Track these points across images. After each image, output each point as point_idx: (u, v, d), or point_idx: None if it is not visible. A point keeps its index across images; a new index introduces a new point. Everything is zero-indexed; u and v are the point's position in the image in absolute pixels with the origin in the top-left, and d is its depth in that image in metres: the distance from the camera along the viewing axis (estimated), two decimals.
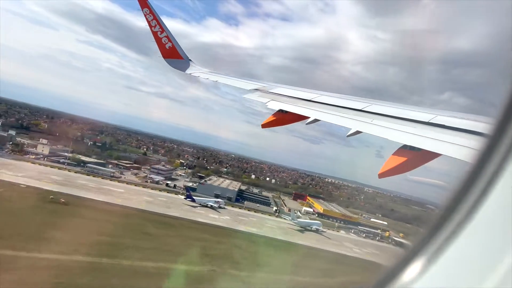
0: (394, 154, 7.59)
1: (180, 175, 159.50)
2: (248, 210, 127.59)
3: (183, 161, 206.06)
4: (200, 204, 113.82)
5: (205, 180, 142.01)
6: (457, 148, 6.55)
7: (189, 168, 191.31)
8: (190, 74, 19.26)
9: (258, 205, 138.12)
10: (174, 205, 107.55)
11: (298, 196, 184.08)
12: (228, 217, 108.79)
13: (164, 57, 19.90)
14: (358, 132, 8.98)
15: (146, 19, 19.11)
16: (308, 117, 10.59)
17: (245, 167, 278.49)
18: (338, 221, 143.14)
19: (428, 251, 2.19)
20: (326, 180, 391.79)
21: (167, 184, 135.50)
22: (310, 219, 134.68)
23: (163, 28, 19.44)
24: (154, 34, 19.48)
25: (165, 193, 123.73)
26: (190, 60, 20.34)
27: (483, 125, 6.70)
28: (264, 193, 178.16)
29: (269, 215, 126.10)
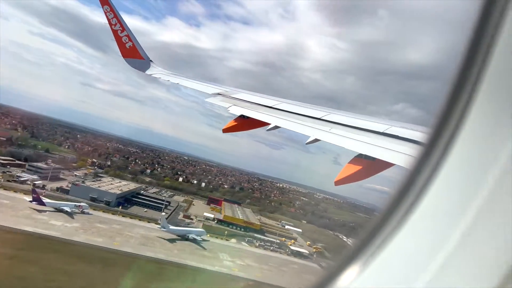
0: (350, 162, 7.91)
1: (76, 175, 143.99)
2: (129, 217, 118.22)
3: (96, 161, 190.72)
4: (55, 209, 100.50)
5: (83, 181, 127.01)
6: (409, 158, 6.40)
7: (100, 168, 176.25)
8: (150, 75, 18.56)
9: (145, 210, 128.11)
10: (12, 209, 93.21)
11: (213, 201, 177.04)
12: (77, 225, 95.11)
13: (123, 56, 19.12)
14: (316, 140, 9.22)
15: (107, 17, 18.28)
16: (269, 124, 10.71)
17: (180, 169, 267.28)
18: (239, 228, 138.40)
19: (365, 253, 2.25)
20: (277, 184, 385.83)
21: (34, 184, 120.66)
22: (205, 226, 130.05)
23: (123, 26, 18.63)
24: (114, 32, 18.73)
25: (14, 194, 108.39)
26: (151, 60, 19.62)
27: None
28: (176, 197, 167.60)
29: (156, 223, 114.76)
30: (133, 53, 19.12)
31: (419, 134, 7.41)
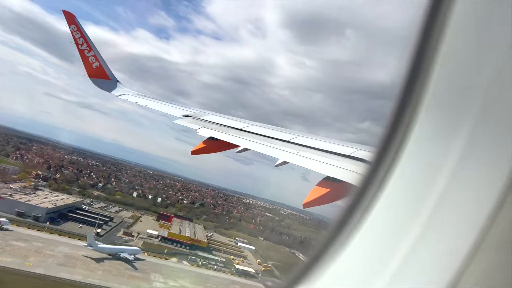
0: (318, 185, 7.92)
1: (11, 187, 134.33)
2: (58, 234, 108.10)
3: (41, 173, 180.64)
4: None
5: (11, 194, 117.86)
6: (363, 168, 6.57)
7: (44, 181, 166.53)
8: (117, 96, 18.32)
9: (80, 226, 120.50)
10: None
11: (162, 217, 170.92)
12: None
13: (90, 76, 18.70)
14: (285, 163, 9.38)
15: (73, 36, 18.06)
16: (238, 146, 10.85)
17: (139, 183, 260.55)
18: (184, 246, 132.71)
19: (324, 257, 2.30)
20: (244, 200, 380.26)
21: None
22: (146, 244, 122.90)
23: (90, 46, 18.40)
24: (81, 52, 18.40)
25: None
26: (118, 81, 19.38)
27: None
28: (123, 213, 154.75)
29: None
30: (99, 73, 18.88)
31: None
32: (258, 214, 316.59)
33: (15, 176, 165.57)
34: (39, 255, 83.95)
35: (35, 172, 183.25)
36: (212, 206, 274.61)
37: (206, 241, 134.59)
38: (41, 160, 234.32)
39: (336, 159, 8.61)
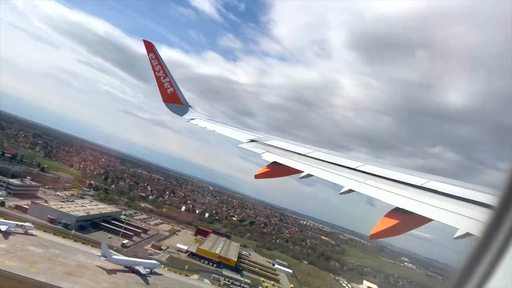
0: (386, 216, 7.57)
1: (58, 195, 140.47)
2: (82, 242, 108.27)
3: (94, 183, 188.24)
4: None
5: (46, 201, 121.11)
6: (449, 214, 6.72)
7: (95, 190, 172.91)
8: (188, 120, 19.33)
9: (109, 236, 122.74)
10: None
11: (200, 232, 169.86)
12: (5, 246, 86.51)
13: (164, 101, 20.28)
14: (351, 191, 8.87)
15: (151, 63, 19.49)
16: (302, 171, 10.51)
17: (194, 198, 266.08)
18: (212, 263, 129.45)
19: None
20: (301, 222, 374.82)
21: (1, 202, 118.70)
22: (171, 258, 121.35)
23: (166, 73, 19.78)
24: (157, 78, 19.83)
25: None
26: (189, 106, 20.73)
27: (473, 192, 7.06)
28: (162, 226, 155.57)
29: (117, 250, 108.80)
30: (173, 99, 20.21)
31: (459, 189, 7.35)
32: (312, 237, 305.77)
33: (68, 185, 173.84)
34: (49, 262, 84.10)
35: (88, 182, 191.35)
36: (262, 225, 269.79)
37: (235, 259, 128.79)
38: (101, 171, 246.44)
39: (405, 189, 8.14)
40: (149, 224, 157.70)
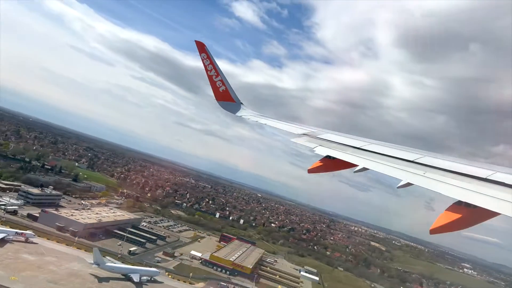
0: (448, 210, 7.23)
1: (82, 203, 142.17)
2: (84, 250, 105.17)
3: (126, 191, 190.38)
4: None
5: (57, 208, 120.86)
6: None
7: (126, 198, 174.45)
8: (241, 116, 19.54)
9: (119, 243, 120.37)
10: None
11: (225, 238, 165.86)
12: None
13: (217, 99, 20.45)
14: (409, 184, 8.43)
15: (203, 63, 19.78)
16: (356, 165, 10.10)
17: (235, 205, 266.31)
18: (224, 270, 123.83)
19: None
20: (352, 227, 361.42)
21: (13, 211, 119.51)
22: (181, 265, 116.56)
23: (218, 72, 19.98)
24: (210, 77, 20.06)
25: None
26: (241, 103, 20.78)
27: None
28: (186, 233, 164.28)
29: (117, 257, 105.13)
30: (225, 97, 20.17)
31: None
32: (359, 243, 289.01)
33: (98, 193, 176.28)
34: (37, 270, 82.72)
35: (121, 190, 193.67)
36: (304, 231, 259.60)
37: (251, 267, 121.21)
38: (142, 180, 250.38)
39: (469, 182, 7.65)
40: (172, 231, 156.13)
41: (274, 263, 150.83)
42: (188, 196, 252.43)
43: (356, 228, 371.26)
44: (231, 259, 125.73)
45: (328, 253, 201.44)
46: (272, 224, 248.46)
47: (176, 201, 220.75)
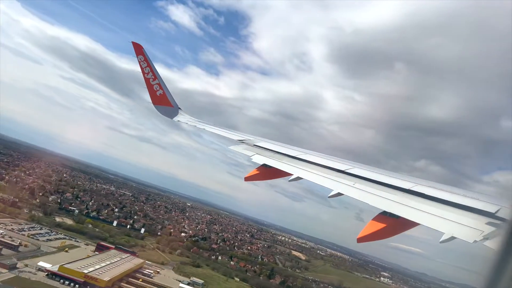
0: (374, 219, 7.62)
1: None
2: None
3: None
4: None
5: None
6: (436, 219, 6.82)
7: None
8: (178, 121, 18.93)
9: None
10: None
11: (101, 248, 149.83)
12: None
13: (154, 103, 19.74)
14: (339, 194, 8.90)
15: (140, 65, 19.12)
16: (291, 174, 10.55)
17: (149, 213, 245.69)
18: (74, 284, 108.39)
19: None
20: (279, 237, 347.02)
21: None
22: (17, 278, 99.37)
23: (155, 75, 19.43)
24: (147, 80, 19.52)
25: None
26: (179, 108, 20.22)
27: (459, 197, 7.27)
28: (55, 242, 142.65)
29: None
30: (163, 101, 19.64)
31: (444, 193, 7.50)
32: (280, 252, 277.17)
33: None
34: None
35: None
36: (220, 241, 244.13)
37: (107, 279, 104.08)
38: (37, 185, 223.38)
39: (394, 193, 8.20)
40: (38, 239, 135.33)
41: (153, 275, 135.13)
42: (91, 203, 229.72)
43: (283, 238, 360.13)
44: (86, 271, 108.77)
45: (232, 263, 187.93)
46: (182, 234, 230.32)
47: (71, 207, 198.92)
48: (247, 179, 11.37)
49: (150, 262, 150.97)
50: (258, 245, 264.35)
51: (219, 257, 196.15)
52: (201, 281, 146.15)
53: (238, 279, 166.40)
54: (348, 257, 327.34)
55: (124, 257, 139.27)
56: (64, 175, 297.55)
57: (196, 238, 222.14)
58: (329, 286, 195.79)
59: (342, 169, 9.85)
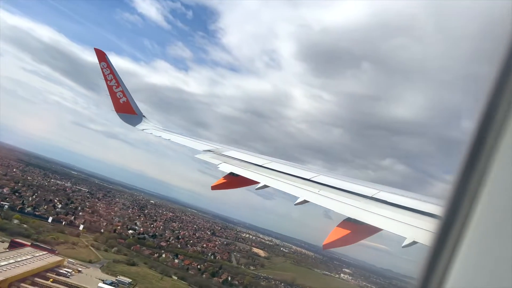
0: (339, 226, 7.89)
1: None
2: None
3: None
4: None
5: None
6: (397, 224, 7.07)
7: None
8: (142, 130, 18.66)
9: None
10: None
11: (16, 244, 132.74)
12: None
13: (117, 111, 19.45)
14: (305, 201, 9.28)
15: (103, 72, 18.97)
16: (258, 182, 10.89)
17: (96, 209, 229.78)
18: None
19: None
20: (243, 234, 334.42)
21: None
22: None
23: (119, 82, 19.20)
24: (109, 88, 19.27)
25: None
26: (143, 116, 19.98)
27: (419, 203, 7.55)
28: None
29: None
30: (126, 108, 19.31)
31: (406, 199, 7.77)
32: (238, 249, 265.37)
33: None
34: None
35: None
36: (173, 238, 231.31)
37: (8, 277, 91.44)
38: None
39: (357, 199, 8.51)
40: None
41: (71, 274, 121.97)
42: (31, 199, 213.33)
43: (248, 235, 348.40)
44: None
45: (177, 260, 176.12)
46: (130, 231, 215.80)
47: (3, 202, 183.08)
48: (214, 187, 11.70)
49: (73, 260, 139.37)
50: (216, 243, 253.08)
51: (163, 255, 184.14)
52: (128, 280, 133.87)
53: (176, 277, 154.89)
54: (312, 254, 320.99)
55: (38, 254, 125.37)
56: (14, 169, 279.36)
57: (144, 235, 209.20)
58: (281, 284, 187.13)
59: (308, 177, 10.20)
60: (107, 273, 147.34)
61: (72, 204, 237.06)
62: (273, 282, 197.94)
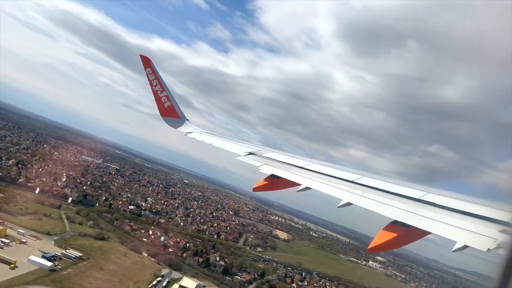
0: (384, 229, 7.56)
1: None
2: None
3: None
4: None
5: None
6: (447, 227, 6.81)
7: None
8: (186, 134, 18.17)
9: None
10: None
11: None
12: None
13: (162, 115, 19.20)
14: (349, 204, 8.84)
15: (148, 78, 18.53)
16: (300, 184, 10.56)
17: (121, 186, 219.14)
18: None
19: None
20: (272, 217, 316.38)
21: None
22: None
23: (163, 87, 18.81)
24: (154, 93, 18.89)
25: None
26: (187, 119, 19.79)
27: (469, 205, 7.37)
28: None
29: None
30: (170, 112, 19.13)
31: (455, 201, 7.51)
32: (257, 231, 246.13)
33: None
34: None
35: None
36: (177, 216, 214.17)
37: None
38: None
39: (403, 202, 8.07)
40: None
41: (7, 244, 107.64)
42: (34, 170, 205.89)
43: (276, 218, 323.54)
44: None
45: (162, 238, 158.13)
46: (131, 206, 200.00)
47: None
48: (255, 189, 11.51)
49: (23, 231, 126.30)
50: (232, 223, 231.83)
51: (150, 232, 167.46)
52: (77, 254, 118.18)
53: (146, 255, 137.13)
54: (347, 239, 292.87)
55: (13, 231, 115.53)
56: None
57: (143, 211, 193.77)
58: (282, 266, 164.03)
59: (351, 179, 9.99)
60: (60, 246, 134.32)
61: (81, 179, 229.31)
62: (274, 264, 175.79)
